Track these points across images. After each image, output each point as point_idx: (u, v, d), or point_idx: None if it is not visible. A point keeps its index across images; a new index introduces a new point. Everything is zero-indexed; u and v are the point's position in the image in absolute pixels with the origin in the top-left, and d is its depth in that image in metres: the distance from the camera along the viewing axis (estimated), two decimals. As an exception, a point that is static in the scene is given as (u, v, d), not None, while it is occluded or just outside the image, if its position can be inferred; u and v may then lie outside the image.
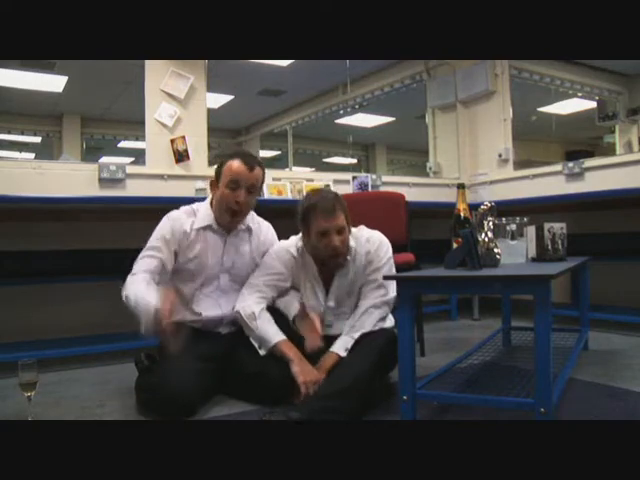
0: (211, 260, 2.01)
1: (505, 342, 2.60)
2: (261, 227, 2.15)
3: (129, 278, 1.87)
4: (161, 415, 1.72)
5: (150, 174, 3.10)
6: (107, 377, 2.33)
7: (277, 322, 1.93)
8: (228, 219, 1.98)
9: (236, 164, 1.93)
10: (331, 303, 1.98)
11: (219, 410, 1.82)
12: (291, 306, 1.96)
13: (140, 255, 1.93)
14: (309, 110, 5.21)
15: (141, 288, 1.80)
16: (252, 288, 1.99)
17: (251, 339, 1.92)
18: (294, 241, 2.04)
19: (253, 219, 2.13)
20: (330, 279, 1.99)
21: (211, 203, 2.04)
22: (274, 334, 1.88)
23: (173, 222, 1.97)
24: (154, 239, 1.95)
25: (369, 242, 1.98)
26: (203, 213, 2.02)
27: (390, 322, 2.01)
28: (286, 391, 1.78)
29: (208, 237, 2.01)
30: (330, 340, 1.91)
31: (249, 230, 2.09)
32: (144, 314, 1.69)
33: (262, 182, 2.03)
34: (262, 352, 1.88)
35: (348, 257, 1.95)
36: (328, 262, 1.94)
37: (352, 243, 1.96)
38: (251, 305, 1.94)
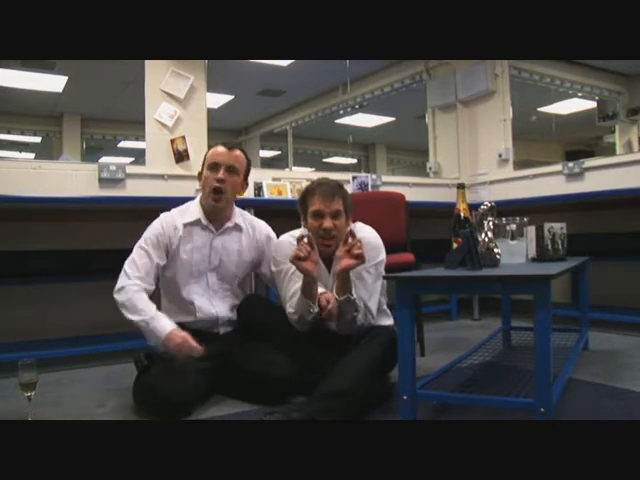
0: (198, 257, 2.02)
1: (505, 342, 2.60)
2: (254, 225, 2.14)
3: (124, 281, 1.89)
4: (157, 415, 1.72)
5: (150, 174, 3.10)
6: (107, 377, 2.33)
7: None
8: (212, 201, 1.99)
9: (217, 148, 2.03)
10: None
11: (219, 410, 1.82)
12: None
13: (132, 255, 1.95)
14: (309, 110, 5.21)
15: (143, 307, 1.86)
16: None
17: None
18: (294, 232, 2.01)
19: (244, 219, 2.13)
20: (330, 266, 1.97)
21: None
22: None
23: (164, 221, 2.01)
24: (145, 238, 1.98)
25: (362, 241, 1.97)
26: (193, 208, 2.06)
27: (390, 320, 2.01)
28: (288, 390, 1.78)
29: (196, 234, 2.03)
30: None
31: (238, 228, 2.09)
32: (153, 337, 1.84)
33: (246, 168, 2.06)
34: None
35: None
36: (320, 247, 1.89)
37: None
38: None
